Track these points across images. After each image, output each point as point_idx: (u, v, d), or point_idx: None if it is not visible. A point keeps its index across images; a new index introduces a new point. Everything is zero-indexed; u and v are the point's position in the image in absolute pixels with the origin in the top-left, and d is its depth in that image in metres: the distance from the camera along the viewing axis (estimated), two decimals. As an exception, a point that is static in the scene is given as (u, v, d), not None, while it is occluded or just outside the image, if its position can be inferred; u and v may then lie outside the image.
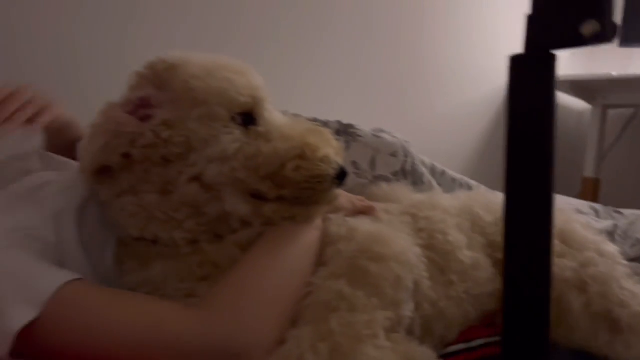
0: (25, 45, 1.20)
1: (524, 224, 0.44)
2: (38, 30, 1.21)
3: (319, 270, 0.68)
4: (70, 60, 1.25)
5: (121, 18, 1.32)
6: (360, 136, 1.10)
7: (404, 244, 0.71)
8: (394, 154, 1.10)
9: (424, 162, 1.20)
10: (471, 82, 2.21)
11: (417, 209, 0.85)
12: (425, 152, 1.27)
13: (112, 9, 1.30)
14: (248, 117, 0.70)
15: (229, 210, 0.69)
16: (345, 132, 1.10)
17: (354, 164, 1.07)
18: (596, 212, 1.38)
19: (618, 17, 2.08)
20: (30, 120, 0.81)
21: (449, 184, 1.24)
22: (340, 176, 0.70)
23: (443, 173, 1.26)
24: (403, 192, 0.98)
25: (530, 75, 0.37)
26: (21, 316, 0.57)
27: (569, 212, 0.96)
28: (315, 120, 1.09)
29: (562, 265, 0.80)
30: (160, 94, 0.70)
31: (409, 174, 1.10)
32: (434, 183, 1.16)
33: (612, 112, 2.46)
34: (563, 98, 2.41)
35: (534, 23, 0.37)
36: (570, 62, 2.30)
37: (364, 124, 1.20)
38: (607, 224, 1.27)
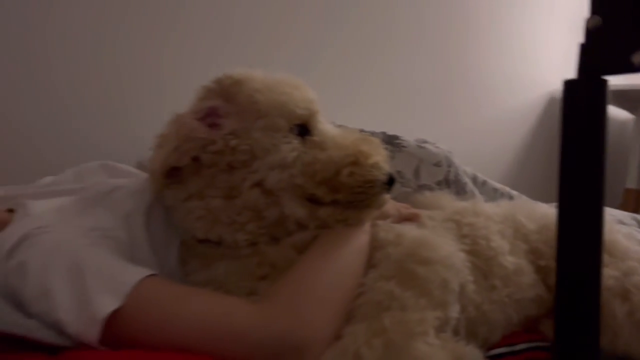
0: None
1: (576, 238, 0.47)
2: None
3: (369, 272, 0.73)
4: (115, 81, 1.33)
5: (171, 34, 1.39)
6: (404, 147, 1.14)
7: (449, 249, 0.75)
8: (437, 164, 1.13)
9: (466, 172, 1.23)
10: (512, 92, 2.22)
11: (460, 215, 0.89)
12: (466, 161, 1.29)
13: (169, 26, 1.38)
14: (303, 128, 0.76)
15: (287, 214, 0.75)
16: (390, 142, 1.14)
17: (399, 173, 1.10)
18: (638, 222, 1.38)
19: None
20: None
21: (490, 194, 1.26)
22: (390, 182, 0.76)
23: (484, 183, 1.28)
24: (446, 199, 1.02)
25: (583, 99, 0.41)
26: (107, 305, 0.63)
27: (612, 223, 0.98)
28: (361, 131, 1.14)
29: (605, 274, 0.82)
30: (227, 105, 0.76)
31: (452, 184, 1.13)
32: (476, 192, 1.18)
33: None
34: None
35: (586, 51, 0.41)
36: (612, 73, 2.28)
37: (408, 134, 1.24)
38: (649, 235, 1.27)
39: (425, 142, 1.19)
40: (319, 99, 0.81)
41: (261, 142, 0.74)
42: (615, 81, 0.40)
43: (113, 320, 0.63)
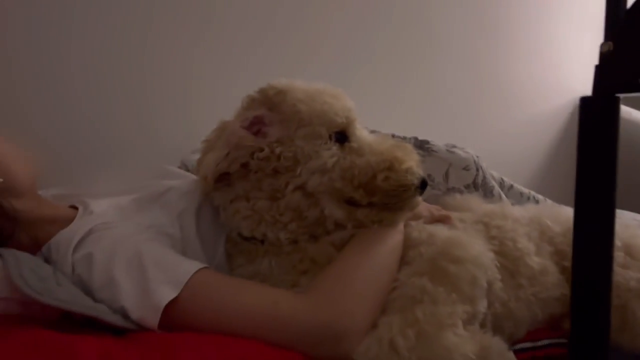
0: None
1: (591, 241, 0.52)
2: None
3: (403, 268, 0.78)
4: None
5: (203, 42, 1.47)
6: (435, 151, 1.19)
7: (479, 249, 0.80)
8: (466, 168, 1.18)
9: (494, 175, 1.27)
10: (540, 98, 2.24)
11: (489, 218, 0.93)
12: (494, 165, 1.34)
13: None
14: (342, 135, 0.83)
15: (327, 215, 0.81)
16: (421, 147, 1.19)
17: (429, 176, 1.15)
18: (665, 227, 1.40)
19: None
20: None
21: (517, 197, 1.30)
22: (422, 185, 0.81)
23: (511, 187, 1.32)
24: (475, 202, 1.06)
25: (598, 114, 0.47)
26: (166, 294, 0.70)
27: (635, 227, 1.01)
28: (393, 136, 1.20)
29: (627, 275, 0.86)
30: (271, 114, 0.83)
31: (480, 187, 1.18)
32: (503, 196, 1.23)
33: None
34: (633, 113, 2.39)
35: (600, 72, 0.47)
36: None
37: (438, 138, 1.29)
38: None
39: (455, 146, 1.24)
40: (353, 105, 0.87)
41: (304, 149, 0.80)
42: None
43: (170, 308, 0.70)
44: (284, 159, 0.80)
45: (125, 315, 0.72)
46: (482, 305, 0.76)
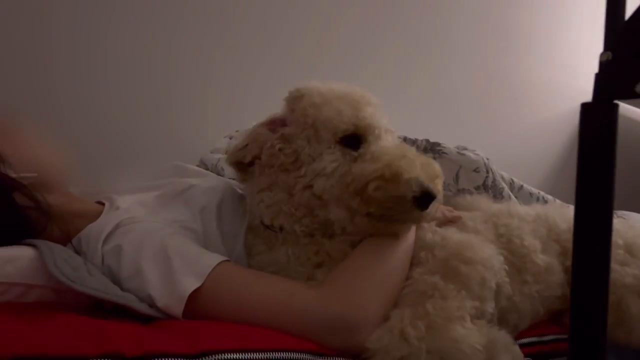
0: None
1: (589, 242, 0.55)
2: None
3: (415, 268, 0.81)
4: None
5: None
6: (445, 153, 1.22)
7: (490, 252, 0.83)
8: (476, 170, 1.20)
9: (504, 177, 1.29)
10: (552, 100, 2.26)
11: (496, 217, 0.96)
12: (505, 167, 1.36)
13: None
14: (354, 142, 0.83)
15: (332, 219, 0.83)
16: (432, 149, 1.22)
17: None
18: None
19: None
20: None
21: (527, 198, 1.33)
22: (423, 200, 0.76)
23: (521, 187, 1.35)
24: (484, 202, 1.09)
25: (598, 119, 0.50)
26: (190, 284, 0.74)
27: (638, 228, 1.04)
28: (405, 138, 1.23)
29: (623, 272, 0.89)
30: (291, 115, 0.88)
31: (490, 189, 1.21)
32: (513, 197, 1.25)
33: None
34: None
35: (600, 80, 0.50)
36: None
37: (449, 140, 1.32)
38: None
39: (466, 149, 1.26)
40: (373, 113, 0.88)
41: (305, 149, 0.83)
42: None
43: (193, 298, 0.74)
44: (283, 156, 0.84)
45: (151, 304, 0.76)
46: (490, 306, 0.80)
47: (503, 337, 0.75)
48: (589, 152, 0.50)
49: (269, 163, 0.86)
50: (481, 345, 0.70)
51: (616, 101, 0.49)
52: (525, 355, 0.78)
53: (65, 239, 0.87)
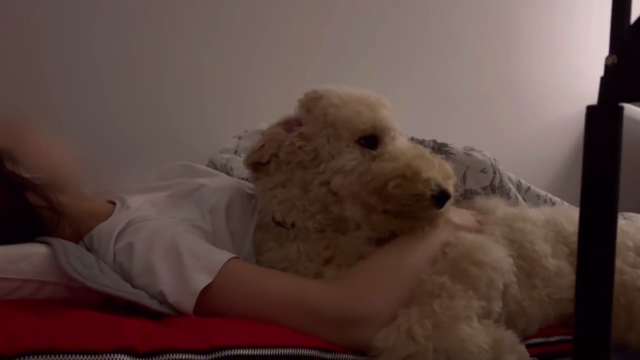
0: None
1: (594, 244, 0.55)
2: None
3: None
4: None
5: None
6: (452, 154, 1.22)
7: (500, 254, 0.84)
8: (483, 171, 1.20)
9: (511, 178, 1.29)
10: (558, 102, 2.25)
11: (512, 221, 0.96)
12: (512, 169, 1.37)
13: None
14: (371, 142, 0.86)
15: (347, 215, 0.86)
16: (439, 150, 1.23)
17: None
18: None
19: None
20: None
21: (534, 200, 1.33)
22: (440, 198, 0.80)
23: (528, 189, 1.35)
24: (498, 205, 1.09)
25: (603, 121, 0.51)
26: (201, 281, 0.76)
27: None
28: (412, 138, 1.23)
29: (635, 274, 0.89)
30: (307, 116, 0.90)
31: (497, 189, 1.21)
32: (520, 198, 1.26)
33: None
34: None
35: (605, 83, 0.51)
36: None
37: (455, 141, 1.32)
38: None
39: (473, 149, 1.26)
40: (388, 115, 0.91)
41: (325, 147, 0.86)
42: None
43: (204, 294, 0.75)
44: (304, 153, 0.87)
45: (162, 300, 0.77)
46: (497, 306, 0.80)
47: (509, 337, 0.75)
48: (594, 154, 0.51)
49: (286, 160, 0.89)
50: (487, 345, 0.71)
51: (621, 104, 0.50)
52: (532, 356, 0.79)
53: (77, 238, 0.88)
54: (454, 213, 0.92)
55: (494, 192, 1.21)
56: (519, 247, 0.92)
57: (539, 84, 2.19)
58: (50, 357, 0.57)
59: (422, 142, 1.24)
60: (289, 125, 0.91)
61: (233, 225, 0.95)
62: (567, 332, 0.92)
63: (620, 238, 0.94)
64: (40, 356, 0.57)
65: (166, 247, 0.80)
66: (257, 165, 0.93)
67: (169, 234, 0.82)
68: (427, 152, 0.86)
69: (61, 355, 0.58)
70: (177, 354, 0.64)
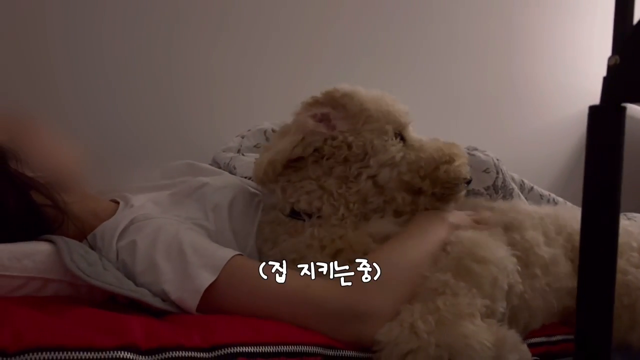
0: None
1: (596, 244, 0.55)
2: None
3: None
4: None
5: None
6: (455, 153, 1.22)
7: (503, 253, 0.84)
8: (486, 171, 1.20)
9: (514, 178, 1.29)
10: (561, 102, 2.25)
11: (504, 212, 0.98)
12: (515, 169, 1.37)
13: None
14: (400, 135, 0.93)
15: (399, 202, 0.91)
16: (443, 149, 1.23)
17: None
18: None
19: None
20: None
21: (537, 199, 1.33)
22: (468, 182, 0.93)
23: (531, 189, 1.35)
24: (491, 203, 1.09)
25: (606, 122, 0.51)
26: (205, 279, 0.76)
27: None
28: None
29: (638, 275, 0.89)
30: (335, 112, 0.91)
31: (500, 189, 1.21)
32: (523, 198, 1.26)
33: None
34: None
35: (608, 83, 0.51)
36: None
37: (458, 141, 1.32)
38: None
39: (476, 149, 1.26)
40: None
41: (373, 142, 0.90)
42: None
43: (208, 291, 0.76)
44: (355, 147, 0.90)
45: (165, 298, 0.78)
46: (501, 306, 0.80)
47: (512, 336, 0.75)
48: (596, 154, 0.51)
49: (330, 155, 0.90)
50: (490, 342, 0.71)
51: (624, 104, 0.50)
52: (534, 355, 0.78)
53: (80, 236, 0.89)
54: (449, 214, 0.94)
55: (496, 192, 1.21)
56: (511, 237, 0.92)
57: (542, 84, 2.19)
58: (55, 353, 0.57)
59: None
60: (318, 119, 0.91)
61: (236, 224, 0.95)
62: (570, 332, 0.92)
63: (623, 238, 0.95)
64: (45, 353, 0.57)
65: (169, 244, 0.80)
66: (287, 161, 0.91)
67: (171, 232, 0.83)
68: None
69: (65, 352, 0.58)
70: (180, 352, 0.64)
